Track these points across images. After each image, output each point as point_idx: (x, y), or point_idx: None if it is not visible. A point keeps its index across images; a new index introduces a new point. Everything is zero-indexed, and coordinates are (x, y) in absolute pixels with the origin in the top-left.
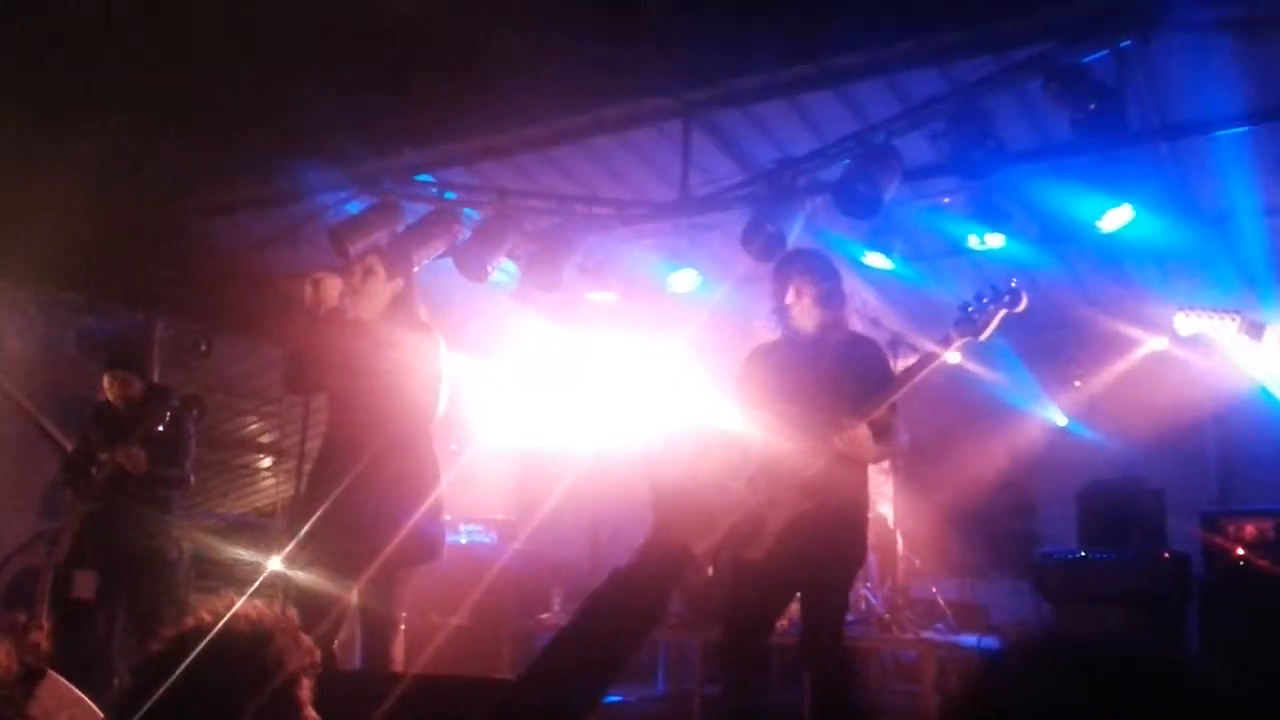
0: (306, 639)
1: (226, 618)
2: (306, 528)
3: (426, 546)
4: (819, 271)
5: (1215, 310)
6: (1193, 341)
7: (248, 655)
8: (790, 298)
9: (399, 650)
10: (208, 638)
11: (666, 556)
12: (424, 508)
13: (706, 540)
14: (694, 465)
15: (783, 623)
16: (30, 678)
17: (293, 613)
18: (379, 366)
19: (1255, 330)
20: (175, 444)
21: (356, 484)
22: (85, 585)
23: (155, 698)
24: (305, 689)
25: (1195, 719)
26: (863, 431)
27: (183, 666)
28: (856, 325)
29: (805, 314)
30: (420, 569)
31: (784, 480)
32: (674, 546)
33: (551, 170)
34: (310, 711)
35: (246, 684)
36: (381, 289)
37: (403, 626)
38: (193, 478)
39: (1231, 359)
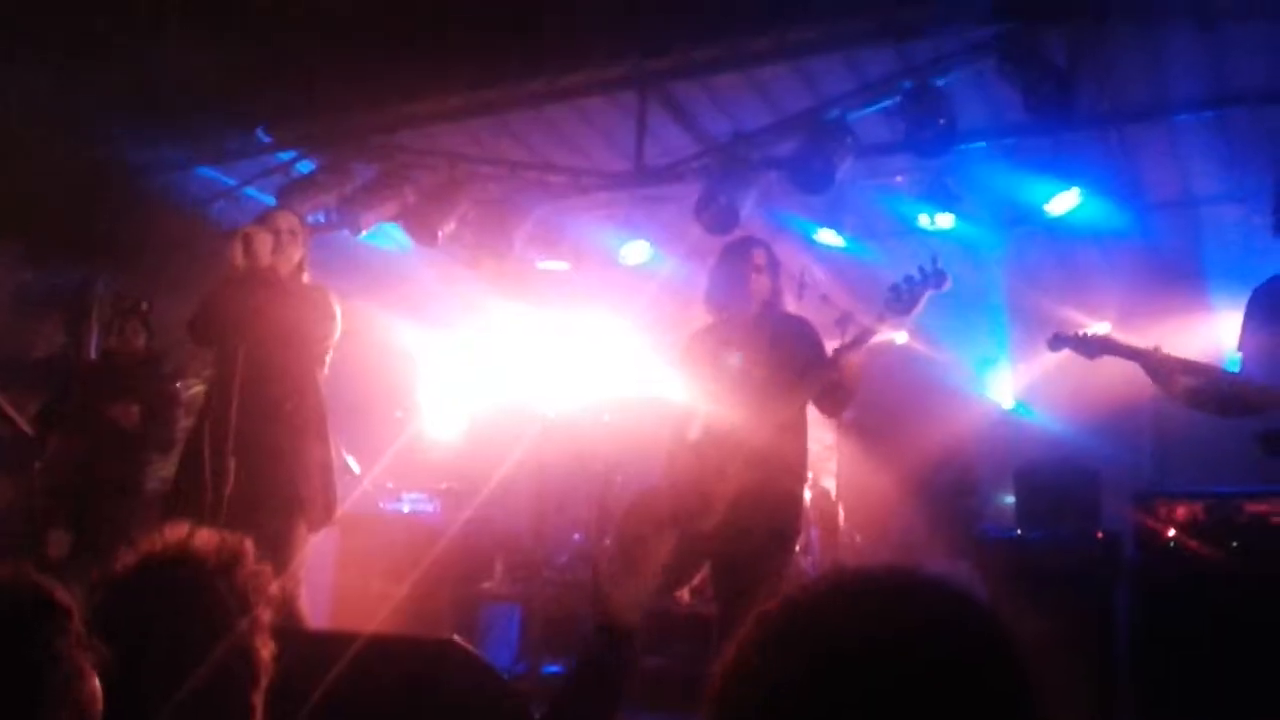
0: (266, 570)
1: (186, 544)
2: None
3: (321, 508)
4: (771, 252)
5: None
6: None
7: (206, 584)
8: (761, 259)
9: (305, 608)
10: (166, 563)
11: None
12: (314, 469)
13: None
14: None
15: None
16: None
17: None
18: (279, 325)
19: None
20: (170, 406)
21: (248, 445)
22: (59, 544)
23: (113, 619)
24: (265, 617)
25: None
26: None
27: (140, 591)
28: (790, 306)
29: (763, 285)
30: (314, 529)
31: (730, 452)
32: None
33: (505, 137)
34: (266, 639)
35: (207, 612)
36: (297, 251)
37: (302, 585)
38: None
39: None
